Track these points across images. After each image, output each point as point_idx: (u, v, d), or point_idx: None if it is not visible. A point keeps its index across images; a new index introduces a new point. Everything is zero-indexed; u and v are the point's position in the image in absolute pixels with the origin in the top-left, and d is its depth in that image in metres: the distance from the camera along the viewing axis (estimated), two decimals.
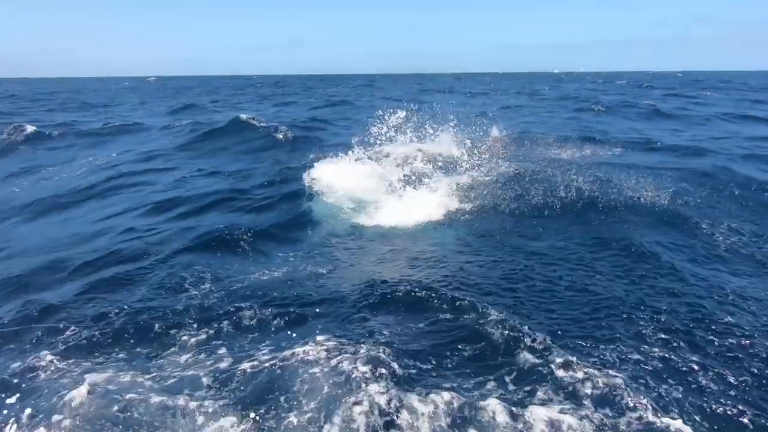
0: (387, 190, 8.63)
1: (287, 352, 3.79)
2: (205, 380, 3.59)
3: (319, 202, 8.39)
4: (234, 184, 9.75)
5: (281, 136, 15.21)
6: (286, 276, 5.50)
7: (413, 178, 9.23)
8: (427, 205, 8.08)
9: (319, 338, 4.00)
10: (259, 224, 7.26)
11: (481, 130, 15.05)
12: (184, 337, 4.27)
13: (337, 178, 9.28)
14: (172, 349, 4.10)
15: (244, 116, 17.64)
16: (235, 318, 4.60)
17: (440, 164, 10.35)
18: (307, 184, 9.12)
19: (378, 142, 10.78)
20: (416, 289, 4.90)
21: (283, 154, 12.94)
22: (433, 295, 4.81)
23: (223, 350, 4.03)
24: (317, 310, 4.71)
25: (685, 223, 7.14)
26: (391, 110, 11.56)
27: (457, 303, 4.61)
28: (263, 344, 4.09)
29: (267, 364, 3.70)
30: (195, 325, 4.48)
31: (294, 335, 4.20)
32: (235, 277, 5.49)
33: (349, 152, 10.09)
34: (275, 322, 4.50)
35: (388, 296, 4.84)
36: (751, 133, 16.45)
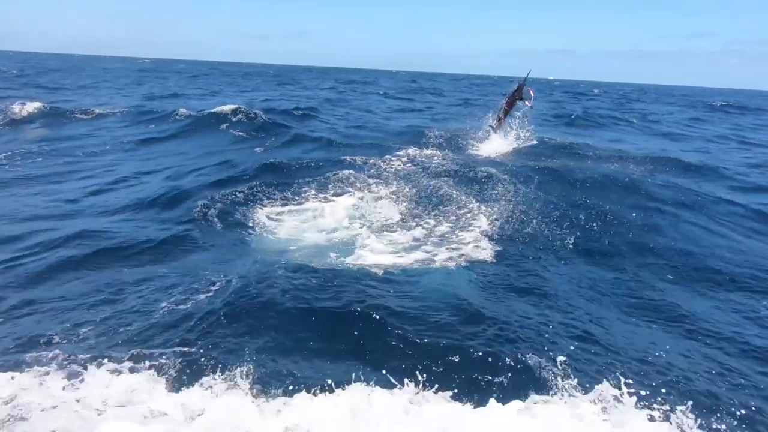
0: (357, 222, 6.90)
1: None
2: None
3: (270, 234, 6.53)
4: (165, 197, 7.61)
5: (257, 136, 13.32)
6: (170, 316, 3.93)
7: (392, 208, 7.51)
8: (406, 237, 6.40)
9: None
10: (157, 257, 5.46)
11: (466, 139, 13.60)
12: None
13: (296, 213, 7.27)
14: None
15: (226, 108, 15.69)
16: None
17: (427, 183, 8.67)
18: (256, 216, 7.05)
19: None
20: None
21: (248, 155, 10.94)
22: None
23: None
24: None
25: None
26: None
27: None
28: None
29: None
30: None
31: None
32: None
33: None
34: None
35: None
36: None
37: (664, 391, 3.53)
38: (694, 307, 5.07)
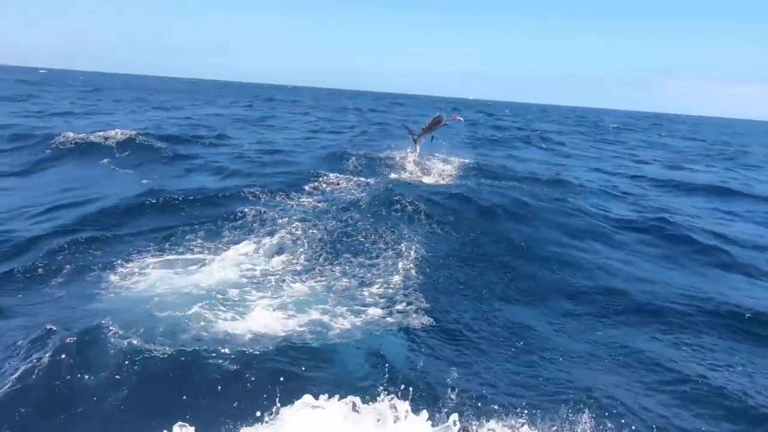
0: (246, 276, 5.68)
1: None
2: None
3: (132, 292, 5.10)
4: None
5: (147, 166, 11.56)
6: None
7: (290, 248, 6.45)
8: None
9: None
10: None
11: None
12: None
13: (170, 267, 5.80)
14: None
15: (114, 132, 13.71)
16: None
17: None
18: (113, 271, 5.54)
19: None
20: None
21: (127, 191, 9.11)
22: None
23: None
24: None
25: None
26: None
27: None
28: None
29: None
30: None
31: None
32: None
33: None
34: None
35: None
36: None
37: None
38: (609, 346, 4.78)
